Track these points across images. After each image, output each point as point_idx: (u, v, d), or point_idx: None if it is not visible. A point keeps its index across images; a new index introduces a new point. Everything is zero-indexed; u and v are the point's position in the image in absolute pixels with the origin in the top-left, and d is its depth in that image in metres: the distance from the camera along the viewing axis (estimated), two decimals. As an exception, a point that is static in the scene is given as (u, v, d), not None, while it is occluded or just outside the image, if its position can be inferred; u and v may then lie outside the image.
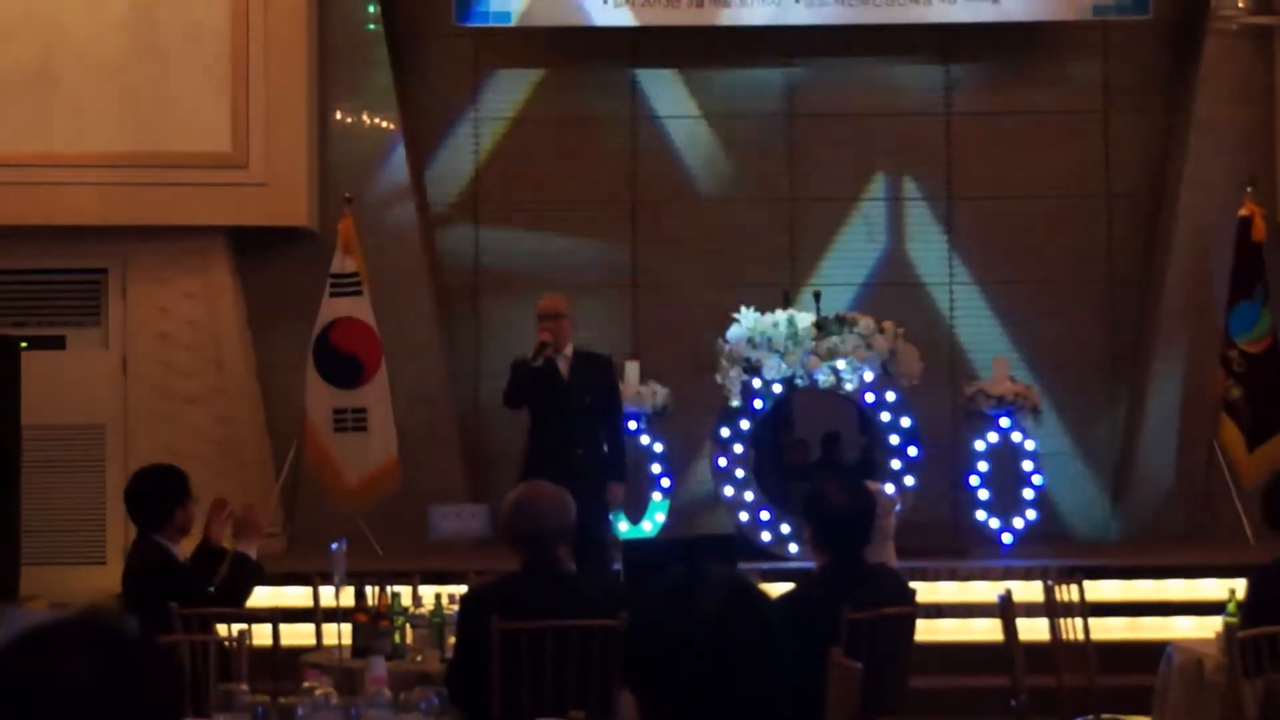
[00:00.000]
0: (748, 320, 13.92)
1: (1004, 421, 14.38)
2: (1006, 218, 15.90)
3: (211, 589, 9.13)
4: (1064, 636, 9.50)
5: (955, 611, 12.73)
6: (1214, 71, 15.60)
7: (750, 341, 13.83)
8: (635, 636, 3.19)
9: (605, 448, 12.10)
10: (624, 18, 15.34)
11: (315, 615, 9.99)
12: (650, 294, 15.85)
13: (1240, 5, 15.49)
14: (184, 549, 9.28)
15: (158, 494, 9.09)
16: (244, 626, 8.66)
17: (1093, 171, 16.03)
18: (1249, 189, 14.82)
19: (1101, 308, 15.96)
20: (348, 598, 9.19)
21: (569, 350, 12.10)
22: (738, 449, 13.94)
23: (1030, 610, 10.02)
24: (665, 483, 14.34)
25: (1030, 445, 14.41)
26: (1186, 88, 15.83)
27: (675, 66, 16.10)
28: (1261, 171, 15.28)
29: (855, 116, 16.04)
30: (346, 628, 8.98)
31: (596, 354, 12.44)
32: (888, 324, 13.96)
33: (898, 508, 13.16)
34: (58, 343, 14.98)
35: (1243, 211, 14.70)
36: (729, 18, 15.38)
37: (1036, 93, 16.06)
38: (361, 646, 8.64)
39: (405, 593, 9.32)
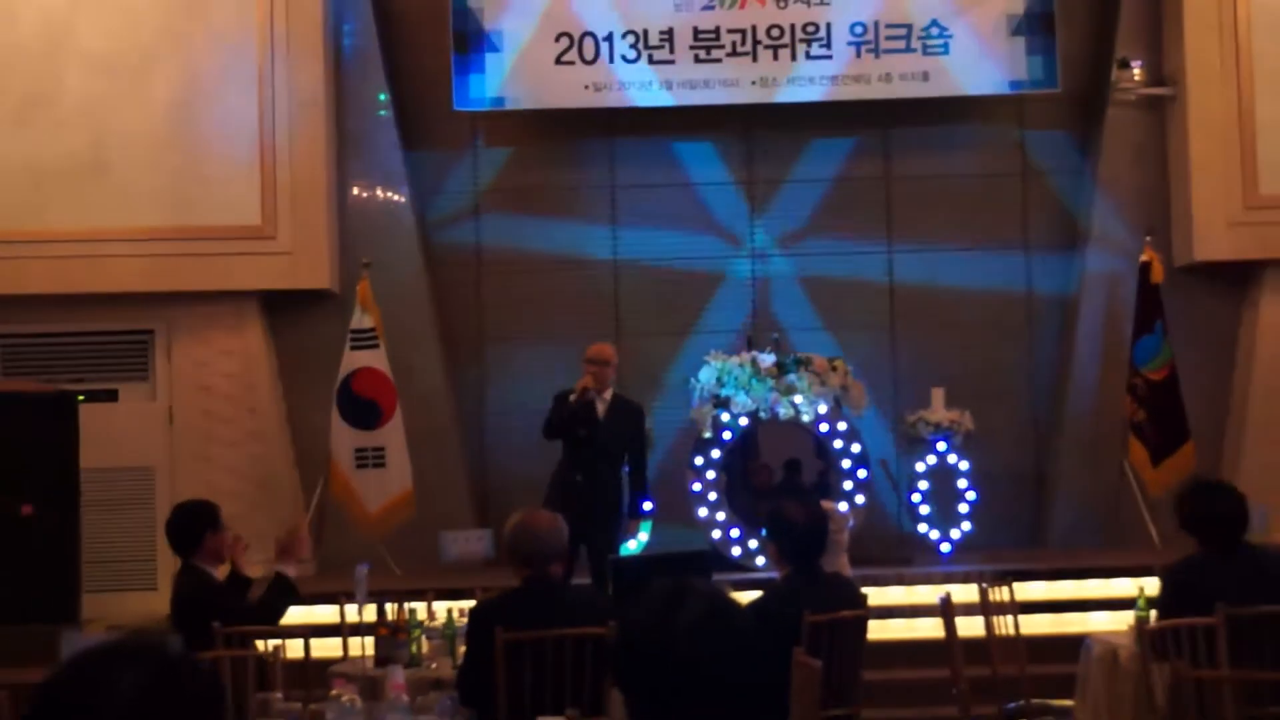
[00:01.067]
0: (716, 362, 13.91)
1: (941, 445, 14.38)
2: (940, 267, 15.90)
3: (253, 603, 9.07)
4: (997, 632, 9.47)
5: (902, 612, 12.71)
6: (1115, 136, 15.65)
7: (719, 380, 13.82)
8: (625, 642, 3.18)
9: (628, 486, 12.11)
10: (596, 100, 15.37)
11: (342, 630, 9.94)
12: (630, 340, 15.82)
13: (1137, 78, 15.53)
14: (221, 574, 9.22)
15: (188, 523, 9.04)
16: (279, 641, 8.61)
17: (1012, 225, 16.03)
18: (1148, 238, 14.87)
19: (1023, 344, 15.96)
20: (370, 614, 9.14)
21: (608, 394, 12.07)
22: (710, 475, 13.91)
23: (968, 610, 9.97)
24: (647, 506, 14.28)
25: (964, 465, 14.39)
26: (1092, 150, 15.87)
27: (647, 142, 16.08)
28: (1158, 222, 15.32)
29: (806, 182, 16.04)
30: (369, 640, 8.93)
31: (631, 401, 12.39)
32: (839, 362, 13.95)
33: (850, 523, 13.17)
34: (111, 395, 14.93)
35: (1143, 257, 14.74)
36: (690, 98, 15.39)
37: (963, 157, 16.07)
38: (383, 657, 8.59)
39: (421, 608, 9.27)
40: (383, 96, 15.69)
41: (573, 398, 11.92)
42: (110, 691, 2.78)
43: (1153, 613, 8.44)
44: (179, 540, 9.03)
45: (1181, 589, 7.88)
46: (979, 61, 15.44)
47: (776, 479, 15.40)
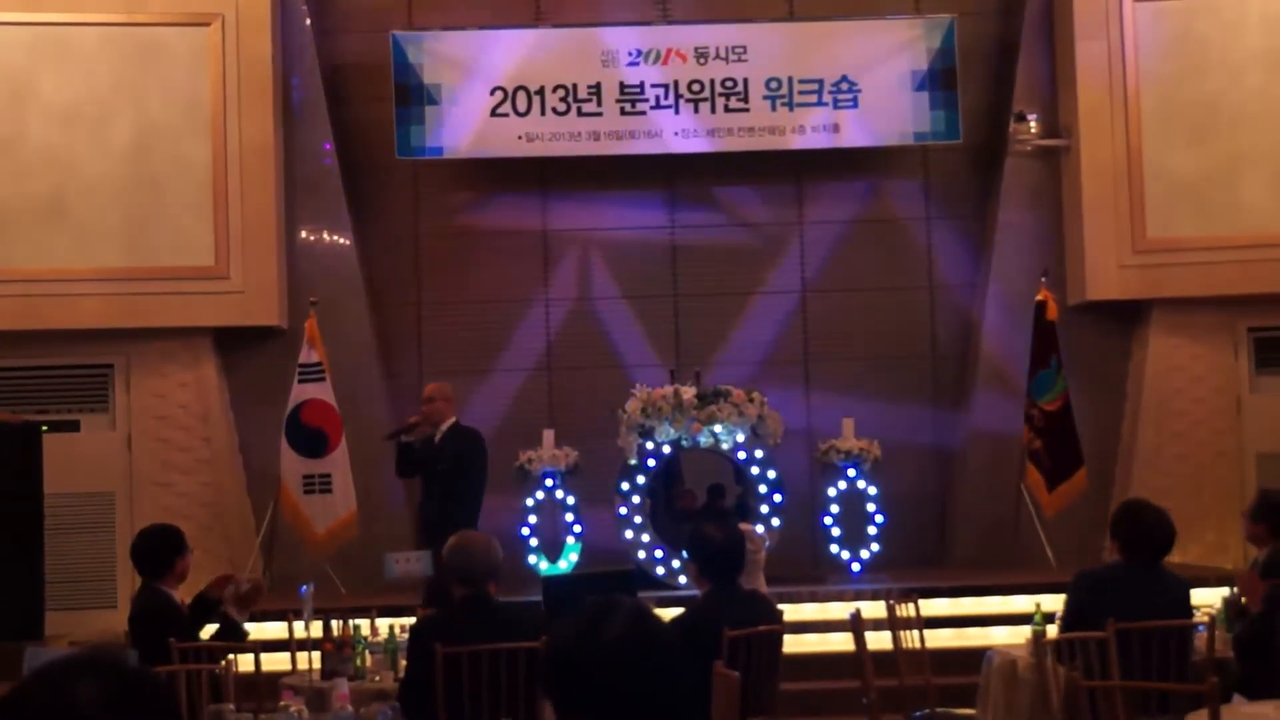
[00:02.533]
0: (641, 395, 13.92)
1: (851, 471, 14.43)
2: (851, 305, 15.98)
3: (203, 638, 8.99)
4: (904, 645, 9.50)
5: (815, 627, 12.71)
6: (1012, 184, 15.78)
7: (644, 411, 13.83)
8: (554, 655, 3.18)
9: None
10: (529, 149, 15.40)
11: (290, 645, 9.89)
12: (561, 374, 15.83)
13: (1033, 130, 15.66)
14: (181, 594, 9.14)
15: (159, 548, 8.94)
16: (231, 656, 8.55)
17: (918, 267, 16.13)
18: (1043, 278, 14.96)
19: (928, 377, 16.05)
20: (316, 630, 9.10)
21: (445, 425, 12.33)
22: (635, 499, 13.90)
23: (877, 625, 10.01)
24: (577, 528, 14.28)
25: (873, 490, 14.44)
26: (992, 197, 15.99)
27: (576, 189, 16.11)
28: (1052, 264, 15.44)
29: (727, 227, 16.10)
30: (316, 655, 8.89)
31: (470, 430, 12.61)
32: (756, 394, 13.99)
33: (767, 544, 13.18)
34: (73, 425, 14.87)
35: (1039, 297, 14.82)
36: (618, 148, 15.44)
37: (871, 203, 16.16)
38: (329, 670, 8.56)
39: (364, 624, 9.25)
40: (328, 145, 15.65)
41: (404, 438, 12.35)
42: (70, 703, 2.76)
43: (1053, 625, 8.50)
44: (146, 563, 8.93)
45: (1093, 593, 7.94)
46: (886, 115, 15.54)
47: (700, 503, 15.41)
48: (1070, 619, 8.00)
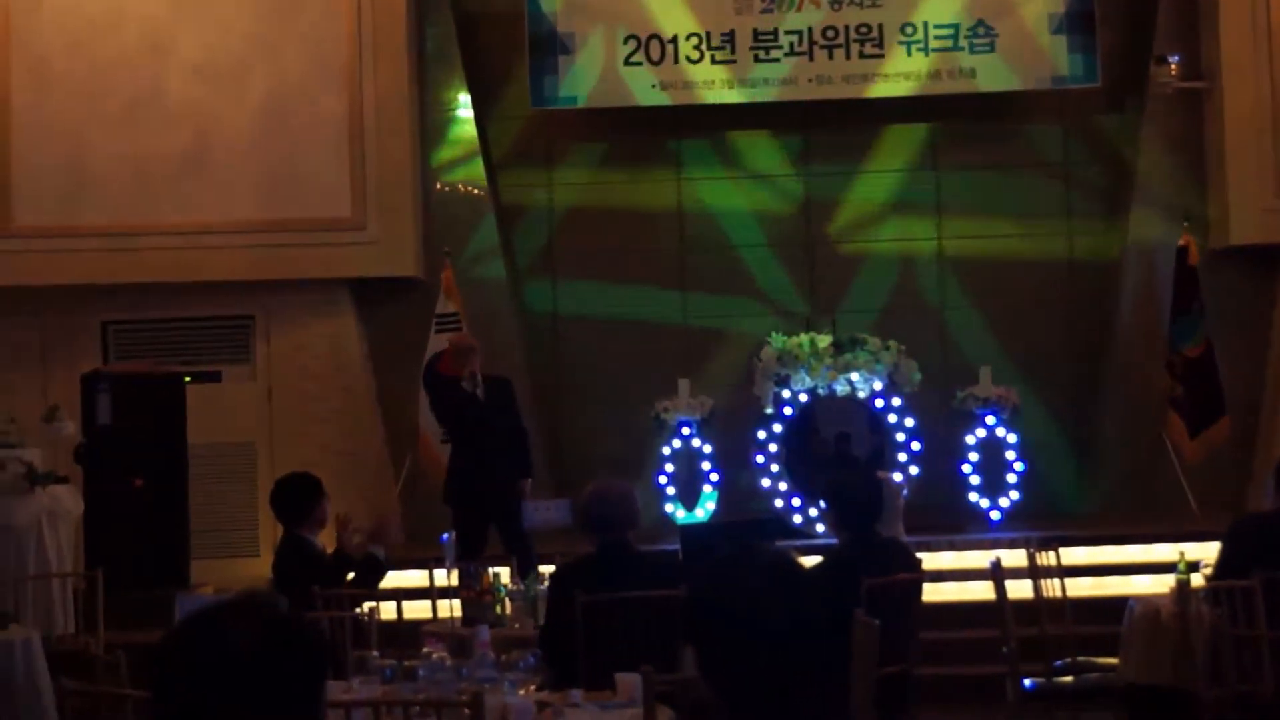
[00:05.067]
0: (777, 342, 13.93)
1: (990, 419, 14.33)
2: (987, 252, 15.84)
3: (351, 576, 9.12)
4: (1045, 594, 9.46)
5: (954, 576, 12.65)
6: (1153, 128, 15.54)
7: (780, 359, 13.83)
8: (697, 601, 3.20)
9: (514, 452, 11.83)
10: (662, 98, 15.39)
11: (431, 593, 9.99)
12: (696, 321, 15.83)
13: (1173, 73, 15.41)
14: (323, 540, 9.27)
15: (298, 495, 9.08)
16: (374, 604, 8.66)
17: (1055, 213, 15.94)
18: (1185, 223, 14.78)
19: (1066, 324, 15.88)
20: (457, 578, 9.19)
21: (478, 377, 11.73)
22: (772, 448, 13.92)
23: (1016, 573, 9.95)
24: (714, 477, 14.31)
25: (1012, 438, 14.35)
26: (1131, 142, 15.76)
27: (708, 138, 16.08)
28: (1194, 208, 15.22)
29: (861, 174, 16.01)
30: (457, 603, 8.98)
31: (500, 377, 12.15)
32: (892, 342, 13.95)
33: (905, 492, 13.19)
34: (215, 377, 15.06)
35: (1181, 241, 14.64)
36: (752, 95, 15.40)
37: (1008, 149, 15.99)
38: (470, 617, 8.64)
39: (504, 572, 9.32)
40: (463, 96, 15.74)
41: (467, 387, 11.61)
42: (223, 647, 2.82)
43: (1197, 573, 8.42)
44: (286, 511, 9.07)
45: (1251, 540, 7.86)
46: (1023, 59, 15.36)
47: (831, 451, 15.39)
48: (1225, 566, 7.91)
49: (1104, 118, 16.04)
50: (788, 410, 13.93)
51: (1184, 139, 15.57)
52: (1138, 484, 15.20)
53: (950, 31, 15.32)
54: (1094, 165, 16.04)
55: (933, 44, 15.31)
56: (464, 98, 15.75)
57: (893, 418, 13.91)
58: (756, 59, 15.37)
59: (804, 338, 13.91)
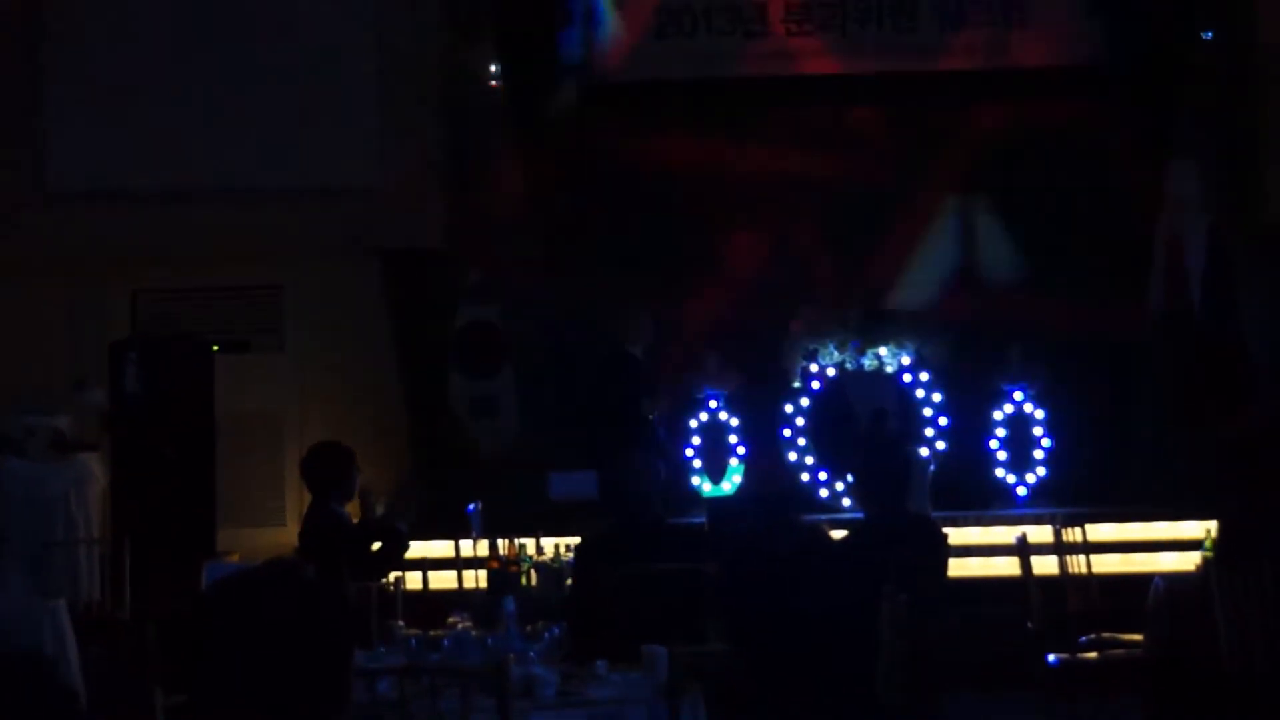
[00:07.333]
0: (806, 317, 13.96)
1: (1018, 395, 14.32)
2: (1016, 231, 15.78)
3: (375, 547, 9.16)
4: (1070, 570, 9.48)
5: (980, 551, 12.68)
6: (1192, 103, 15.39)
7: (808, 333, 13.87)
8: (725, 572, 3.24)
9: None
10: (692, 71, 15.43)
11: (457, 563, 10.04)
12: (724, 295, 15.80)
13: (1213, 48, 15.29)
14: (352, 512, 9.32)
15: (328, 466, 9.11)
16: (400, 574, 8.71)
17: (1090, 188, 15.81)
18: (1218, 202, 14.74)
19: (1095, 298, 15.80)
20: (483, 549, 9.25)
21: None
22: (800, 422, 13.94)
23: (1042, 550, 9.98)
24: (741, 450, 14.33)
25: (1040, 414, 14.34)
26: (1170, 116, 15.57)
27: (738, 113, 16.04)
28: (1236, 185, 15.14)
29: (895, 149, 15.97)
30: (483, 573, 9.03)
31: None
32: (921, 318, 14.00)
33: (932, 467, 13.20)
34: (243, 346, 15.06)
35: (1214, 221, 14.55)
36: (784, 69, 15.40)
37: (1042, 124, 15.89)
38: (495, 588, 8.68)
39: (530, 543, 9.37)
40: (493, 66, 15.72)
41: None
42: (254, 613, 2.87)
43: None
44: (315, 481, 9.11)
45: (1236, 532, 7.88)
46: (1057, 33, 15.34)
47: (861, 427, 15.40)
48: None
49: (1141, 93, 15.84)
50: (815, 384, 13.95)
51: (1224, 115, 15.40)
52: (1166, 462, 15.16)
53: (985, 4, 15.28)
54: (1130, 140, 15.83)
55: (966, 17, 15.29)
56: (494, 68, 15.73)
57: (920, 392, 13.93)
58: (789, 32, 15.35)
59: (832, 312, 13.93)
